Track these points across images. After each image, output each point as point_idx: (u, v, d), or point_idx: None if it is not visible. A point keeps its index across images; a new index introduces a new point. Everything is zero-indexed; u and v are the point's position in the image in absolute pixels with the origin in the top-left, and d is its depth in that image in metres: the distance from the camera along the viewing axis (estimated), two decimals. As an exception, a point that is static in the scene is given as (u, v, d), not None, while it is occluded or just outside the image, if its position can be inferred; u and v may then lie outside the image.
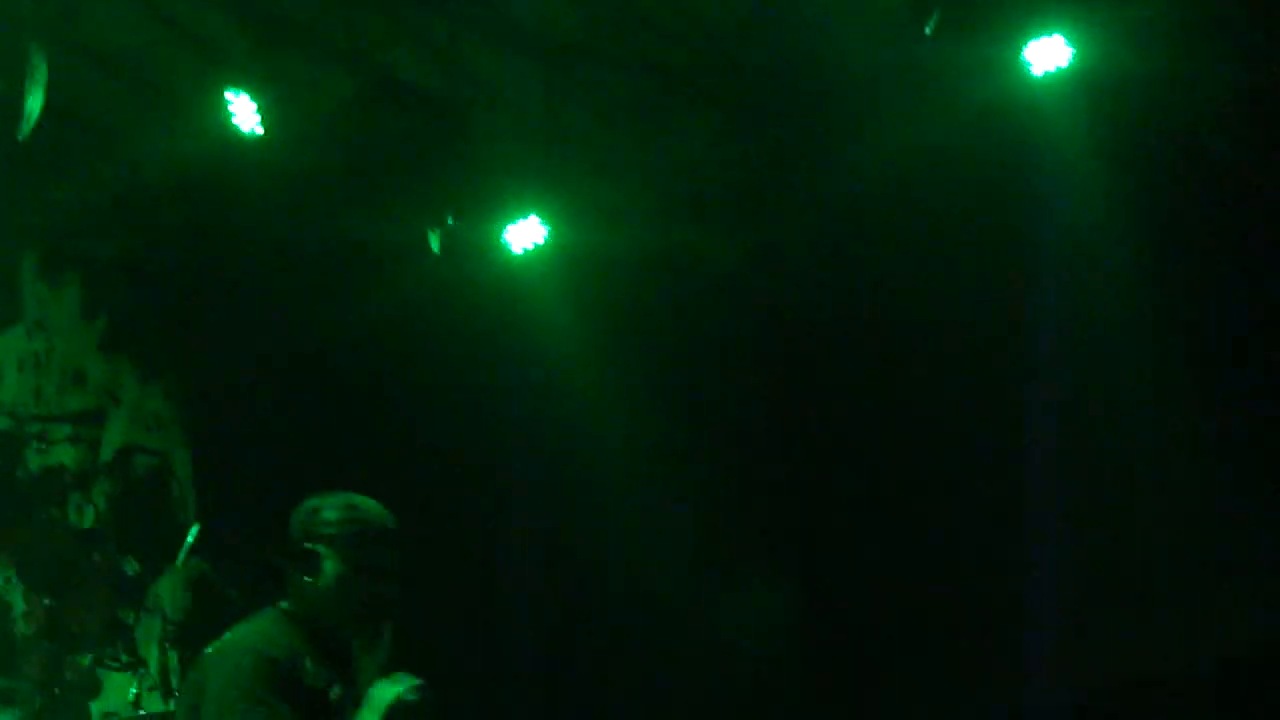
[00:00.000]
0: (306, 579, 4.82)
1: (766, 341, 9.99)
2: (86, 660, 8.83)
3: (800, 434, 9.97)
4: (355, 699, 4.66)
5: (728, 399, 10.12)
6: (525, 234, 9.21)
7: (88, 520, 9.11)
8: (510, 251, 9.33)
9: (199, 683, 4.77)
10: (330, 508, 4.87)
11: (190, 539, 8.06)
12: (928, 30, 7.71)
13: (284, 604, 4.87)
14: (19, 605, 8.92)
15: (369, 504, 4.92)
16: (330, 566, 4.81)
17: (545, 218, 9.18)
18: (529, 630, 10.11)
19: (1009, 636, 9.10)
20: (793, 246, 9.70)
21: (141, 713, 7.70)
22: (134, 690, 7.80)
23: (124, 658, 8.90)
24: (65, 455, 9.09)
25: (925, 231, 9.15)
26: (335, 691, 4.63)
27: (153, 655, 9.02)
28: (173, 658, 8.81)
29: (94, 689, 8.78)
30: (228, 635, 4.85)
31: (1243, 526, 8.69)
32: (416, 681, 4.58)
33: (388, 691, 4.56)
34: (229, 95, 8.38)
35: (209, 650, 4.85)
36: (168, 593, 9.17)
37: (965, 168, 8.74)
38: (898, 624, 9.66)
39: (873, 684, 9.66)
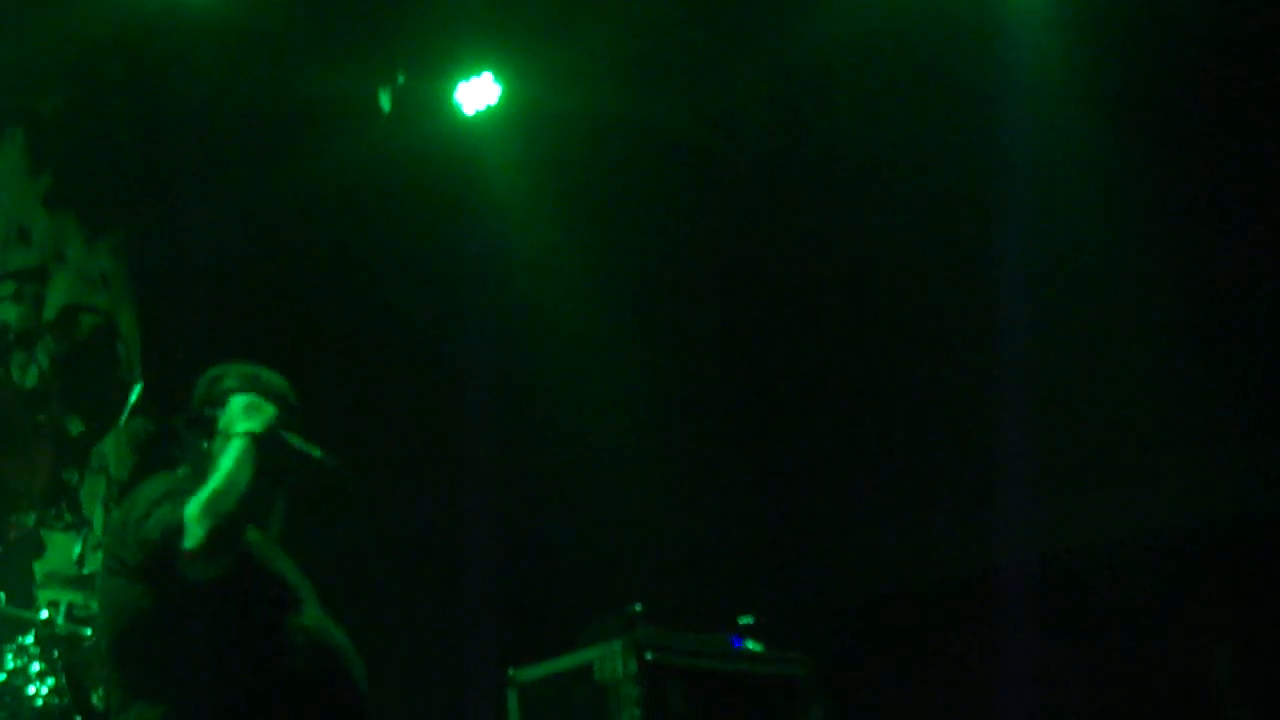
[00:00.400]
0: (203, 444, 4.88)
1: (725, 207, 9.89)
2: (30, 520, 8.75)
3: (760, 298, 9.89)
4: None
5: (684, 264, 10.02)
6: (478, 93, 9.07)
7: (31, 379, 8.98)
8: (463, 113, 9.19)
9: (107, 549, 4.80)
10: (231, 376, 4.96)
11: (134, 398, 7.99)
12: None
13: (180, 470, 4.93)
14: (-40, 464, 8.85)
15: (270, 375, 5.01)
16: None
17: (499, 75, 9.05)
18: (485, 499, 10.02)
19: (980, 498, 9.12)
20: (751, 112, 9.58)
21: (85, 572, 7.64)
22: (78, 549, 7.74)
23: (68, 517, 8.83)
24: (8, 313, 8.95)
25: (885, 96, 9.07)
26: None
27: (97, 515, 8.93)
28: (117, 517, 8.74)
29: (37, 549, 8.73)
30: (126, 501, 4.88)
31: (1213, 395, 8.70)
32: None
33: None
34: (174, -52, 8.22)
35: (114, 516, 4.88)
36: (112, 452, 9.06)
37: (928, 33, 8.64)
38: (866, 483, 9.63)
39: (840, 545, 9.65)
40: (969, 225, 9.19)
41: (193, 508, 4.58)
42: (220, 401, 4.95)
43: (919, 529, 9.49)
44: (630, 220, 9.96)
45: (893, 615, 9.47)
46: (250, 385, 4.97)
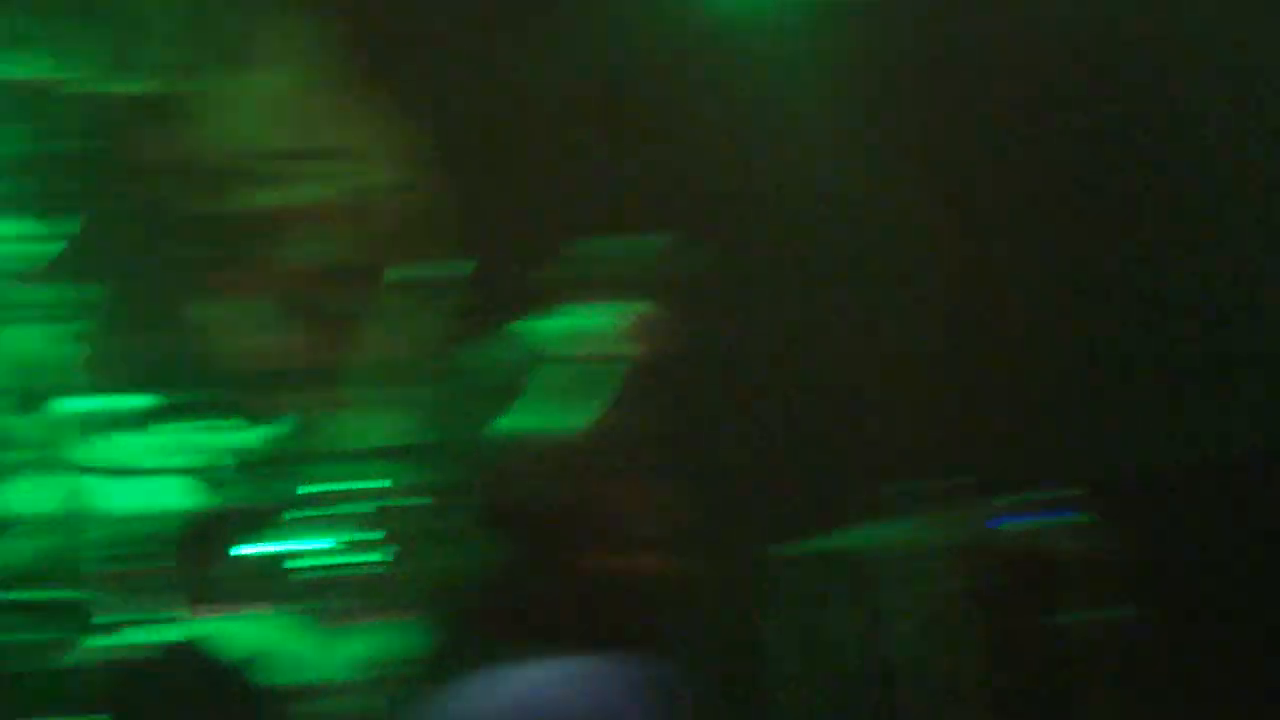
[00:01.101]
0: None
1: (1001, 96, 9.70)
2: (349, 393, 8.87)
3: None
4: None
5: (973, 149, 9.83)
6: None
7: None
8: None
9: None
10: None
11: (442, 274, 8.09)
12: None
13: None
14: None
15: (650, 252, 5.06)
16: None
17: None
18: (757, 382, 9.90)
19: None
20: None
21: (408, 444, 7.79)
22: (398, 423, 7.88)
23: (384, 391, 8.96)
24: (303, 193, 9.09)
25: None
26: None
27: (411, 391, 9.09)
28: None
29: (359, 422, 8.87)
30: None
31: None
32: None
33: None
34: None
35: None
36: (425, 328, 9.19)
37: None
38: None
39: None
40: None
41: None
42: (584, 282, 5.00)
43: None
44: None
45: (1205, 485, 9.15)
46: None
